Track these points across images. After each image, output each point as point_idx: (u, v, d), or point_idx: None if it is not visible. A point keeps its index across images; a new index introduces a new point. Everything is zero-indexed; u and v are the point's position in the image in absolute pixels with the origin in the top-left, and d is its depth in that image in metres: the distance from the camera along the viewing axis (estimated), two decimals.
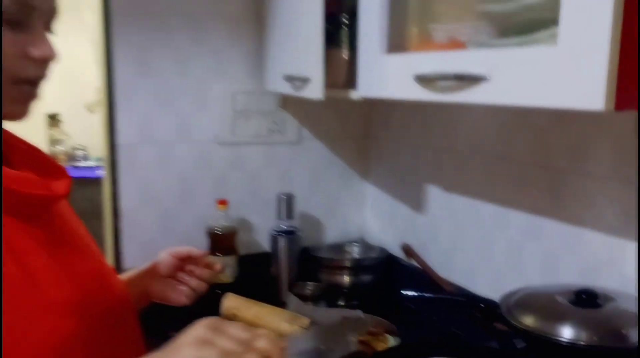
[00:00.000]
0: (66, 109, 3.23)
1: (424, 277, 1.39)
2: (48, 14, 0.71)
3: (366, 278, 1.49)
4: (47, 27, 0.72)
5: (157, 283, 1.00)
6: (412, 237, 1.48)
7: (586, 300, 0.86)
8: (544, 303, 0.90)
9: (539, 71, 0.70)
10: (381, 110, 1.59)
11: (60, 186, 0.75)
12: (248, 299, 0.94)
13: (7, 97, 0.68)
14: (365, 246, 1.63)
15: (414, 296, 1.37)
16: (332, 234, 1.66)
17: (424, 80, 0.89)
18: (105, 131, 1.42)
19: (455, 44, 0.89)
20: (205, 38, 1.44)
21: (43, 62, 0.71)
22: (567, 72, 0.66)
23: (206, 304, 0.98)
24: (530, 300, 0.91)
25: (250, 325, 0.81)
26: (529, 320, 0.86)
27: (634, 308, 0.85)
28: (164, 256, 1.01)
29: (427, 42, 0.97)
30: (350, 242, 1.64)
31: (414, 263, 1.45)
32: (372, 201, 1.66)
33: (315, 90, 1.10)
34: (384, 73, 1.00)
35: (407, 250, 1.48)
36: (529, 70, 0.71)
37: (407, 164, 1.50)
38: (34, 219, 0.71)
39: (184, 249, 1.01)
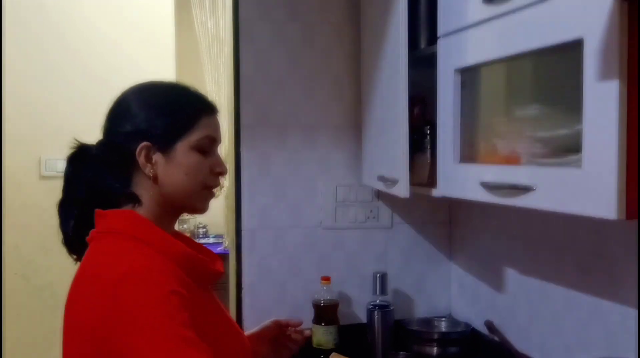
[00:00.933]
0: None
1: (503, 351, 1.55)
2: (220, 142, 1.11)
3: (452, 350, 1.67)
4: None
5: (264, 345, 1.33)
6: (494, 314, 1.65)
7: None
8: None
9: (569, 186, 0.92)
10: (463, 201, 1.81)
11: (220, 266, 1.08)
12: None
13: (199, 198, 1.08)
14: (452, 321, 1.81)
15: None
16: (421, 309, 1.86)
17: (487, 186, 1.12)
18: (233, 218, 1.75)
19: (513, 159, 1.12)
20: (314, 142, 1.76)
21: (220, 175, 1.10)
22: (589, 189, 0.88)
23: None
24: None
25: None
26: None
27: None
28: (269, 323, 1.35)
29: (492, 155, 1.20)
30: (439, 317, 1.83)
31: (496, 338, 1.62)
32: (458, 280, 1.86)
33: (402, 189, 1.36)
34: (458, 178, 1.24)
35: (490, 326, 1.65)
36: (563, 185, 0.93)
37: (487, 248, 1.70)
38: (205, 288, 1.06)
39: (284, 319, 1.40)
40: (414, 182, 1.45)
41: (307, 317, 1.68)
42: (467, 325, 1.74)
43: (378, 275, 1.71)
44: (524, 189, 1.01)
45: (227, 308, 1.19)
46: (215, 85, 2.79)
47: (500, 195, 1.09)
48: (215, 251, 3.42)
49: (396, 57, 1.37)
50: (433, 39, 1.34)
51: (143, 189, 1.05)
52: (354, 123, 1.77)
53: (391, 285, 1.77)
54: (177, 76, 3.07)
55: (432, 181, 1.38)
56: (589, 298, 1.30)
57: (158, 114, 1.05)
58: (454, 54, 1.25)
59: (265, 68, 1.72)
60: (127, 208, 1.05)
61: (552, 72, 1.07)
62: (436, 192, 1.34)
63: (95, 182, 1.05)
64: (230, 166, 1.77)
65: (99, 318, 0.87)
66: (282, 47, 1.73)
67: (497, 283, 1.65)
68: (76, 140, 1.09)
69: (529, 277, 1.51)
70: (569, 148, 0.97)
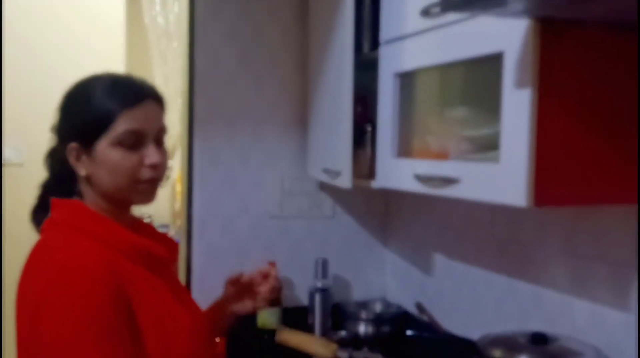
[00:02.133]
0: None
1: (431, 329, 1.72)
2: (155, 134, 1.08)
3: (385, 329, 1.82)
4: (158, 141, 1.09)
5: (231, 306, 1.34)
6: (424, 296, 1.82)
7: (538, 340, 1.19)
8: (508, 342, 1.23)
9: (489, 178, 1.07)
10: (398, 192, 1.97)
11: (174, 252, 1.16)
12: (295, 331, 1.30)
13: (134, 193, 1.07)
14: (386, 303, 1.96)
15: (415, 335, 1.70)
16: (358, 293, 2.01)
17: (420, 178, 1.26)
18: (184, 206, 1.83)
19: (443, 154, 1.27)
20: (263, 136, 1.87)
21: (154, 167, 1.06)
22: (504, 181, 1.03)
23: (262, 339, 1.34)
24: (498, 340, 1.25)
25: (296, 348, 1.17)
26: (497, 353, 1.20)
27: (574, 345, 1.18)
28: (225, 288, 1.38)
29: (425, 150, 1.35)
30: (374, 300, 1.98)
31: (425, 318, 1.78)
32: (392, 266, 2.02)
33: (345, 181, 1.49)
34: (394, 171, 1.39)
35: (420, 307, 1.81)
36: (484, 178, 1.09)
37: (418, 236, 1.86)
38: (159, 273, 1.11)
39: (236, 276, 1.37)
40: (355, 174, 1.58)
41: None
42: (399, 306, 1.90)
43: (320, 260, 1.84)
44: (451, 181, 1.16)
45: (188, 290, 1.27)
46: (164, 78, 2.85)
47: (431, 186, 1.24)
48: None
49: (342, 60, 1.50)
50: (375, 44, 1.48)
51: (85, 185, 1.09)
52: (300, 118, 1.90)
53: (331, 270, 1.91)
54: (127, 69, 3.10)
55: (371, 174, 1.52)
56: (504, 278, 1.48)
57: (76, 114, 1.06)
58: (394, 59, 1.39)
59: (217, 65, 1.82)
60: (76, 198, 1.10)
61: (478, 80, 1.22)
62: (375, 183, 1.48)
63: (58, 174, 1.11)
64: (182, 157, 1.86)
65: (33, 311, 0.93)
66: (233, 45, 1.83)
67: (426, 268, 1.82)
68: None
69: (454, 261, 1.68)
70: (490, 146, 1.12)
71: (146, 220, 3.59)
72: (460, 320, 1.65)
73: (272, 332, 1.72)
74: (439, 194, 1.21)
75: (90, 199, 1.08)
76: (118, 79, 1.09)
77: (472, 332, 1.59)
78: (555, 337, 1.20)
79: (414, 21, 1.29)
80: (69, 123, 1.07)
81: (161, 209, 3.45)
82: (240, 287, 1.36)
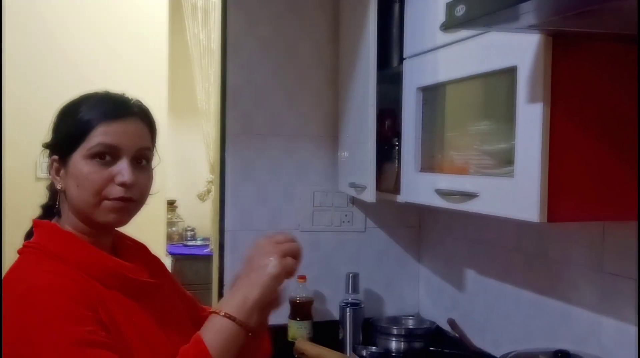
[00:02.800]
0: (181, 196, 3.76)
1: (462, 347, 1.69)
2: (135, 153, 1.02)
3: (416, 345, 1.80)
4: (138, 161, 1.03)
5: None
6: (456, 312, 1.79)
7: (561, 357, 1.16)
8: None
9: (505, 193, 1.06)
10: (430, 206, 1.96)
11: (160, 275, 1.10)
12: (313, 343, 1.31)
13: (98, 211, 1.00)
14: (419, 319, 1.94)
15: (437, 351, 1.68)
16: (391, 308, 1.99)
17: (441, 193, 1.26)
18: (216, 220, 1.88)
19: (463, 169, 1.26)
20: (294, 151, 1.90)
21: (123, 186, 1.00)
22: (518, 196, 1.02)
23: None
24: (521, 357, 1.22)
25: None
26: None
27: None
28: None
29: (447, 165, 1.34)
30: (407, 316, 1.96)
31: (457, 335, 1.75)
32: (425, 281, 2.00)
33: (369, 195, 1.50)
34: (417, 186, 1.39)
35: (452, 324, 1.78)
36: (500, 193, 1.08)
37: (450, 251, 1.84)
38: (139, 298, 1.03)
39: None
40: (382, 189, 1.59)
41: (283, 312, 1.81)
42: (432, 322, 1.88)
43: (350, 275, 1.84)
44: (470, 196, 1.16)
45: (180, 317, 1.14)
46: (206, 94, 2.93)
47: (451, 201, 1.23)
48: (201, 253, 3.49)
49: (367, 75, 1.51)
50: (402, 58, 1.48)
51: (62, 202, 1.06)
52: (332, 133, 1.92)
53: (363, 285, 1.91)
54: (169, 85, 3.21)
55: (397, 188, 1.52)
56: (533, 295, 1.45)
57: (57, 127, 1.06)
58: (416, 74, 1.39)
59: (250, 80, 1.86)
60: (55, 219, 1.07)
61: (498, 94, 1.21)
62: (400, 198, 1.48)
63: (50, 192, 1.11)
64: (216, 171, 1.90)
65: (8, 333, 0.89)
66: (266, 61, 1.87)
67: (459, 284, 1.79)
68: None
69: (485, 277, 1.66)
70: (508, 160, 1.11)
71: (189, 233, 3.75)
72: (491, 337, 1.62)
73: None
74: (458, 209, 1.20)
75: (66, 218, 1.05)
76: (107, 96, 1.07)
77: (503, 349, 1.56)
78: (578, 355, 1.17)
79: (433, 36, 1.30)
80: (53, 137, 1.06)
81: (204, 223, 3.52)
82: None
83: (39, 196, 1.14)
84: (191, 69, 3.08)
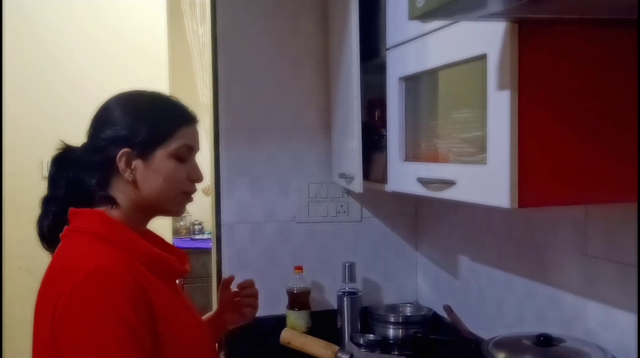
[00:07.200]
0: None
1: (457, 332, 1.70)
2: (198, 151, 1.21)
3: (412, 332, 1.82)
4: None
5: (227, 314, 1.44)
6: (452, 299, 1.80)
7: (543, 341, 1.17)
8: (513, 343, 1.21)
9: (479, 180, 1.07)
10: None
11: (186, 265, 1.22)
12: (299, 332, 1.34)
13: (175, 202, 1.18)
14: (416, 307, 1.96)
15: (424, 337, 1.70)
16: (390, 296, 2.01)
17: (422, 181, 1.27)
18: (213, 213, 1.91)
19: (443, 157, 1.27)
20: (287, 143, 1.92)
21: (196, 182, 1.20)
22: (491, 183, 1.03)
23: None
24: (503, 342, 1.23)
25: (299, 349, 1.20)
26: (500, 355, 1.18)
27: (579, 347, 1.15)
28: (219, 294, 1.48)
29: (430, 154, 1.35)
30: (405, 303, 1.98)
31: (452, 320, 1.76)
32: (423, 268, 2.01)
33: (357, 185, 1.51)
34: (402, 175, 1.40)
35: (448, 310, 1.79)
36: (475, 180, 1.09)
37: (445, 238, 1.85)
38: (174, 284, 1.20)
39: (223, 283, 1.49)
40: (372, 178, 1.60)
41: (282, 303, 1.84)
42: (429, 309, 1.89)
43: (347, 264, 1.86)
44: (448, 184, 1.17)
45: (192, 302, 1.28)
46: (207, 89, 2.95)
47: (432, 189, 1.24)
48: (208, 247, 3.50)
49: (350, 66, 1.52)
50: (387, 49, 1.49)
51: (120, 192, 1.13)
52: (324, 125, 1.93)
53: (361, 274, 1.92)
54: (170, 82, 3.24)
55: (385, 178, 1.53)
56: (523, 280, 1.45)
57: (139, 123, 1.13)
58: (398, 64, 1.40)
59: (240, 75, 1.88)
60: (103, 208, 1.13)
61: (475, 82, 1.21)
62: (387, 188, 1.49)
63: (75, 182, 1.15)
64: (210, 165, 1.93)
65: (56, 316, 0.97)
66: (257, 56, 1.89)
67: (454, 270, 1.80)
68: (62, 142, 1.19)
69: (478, 263, 1.67)
70: (482, 148, 1.12)
71: (196, 227, 3.80)
72: (485, 323, 1.63)
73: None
74: (438, 197, 1.21)
75: (121, 206, 1.13)
76: (178, 100, 1.22)
77: (496, 334, 1.57)
78: (562, 339, 1.18)
79: (411, 27, 1.30)
80: (127, 131, 1.12)
81: (209, 218, 3.56)
82: (229, 296, 1.46)
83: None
84: (191, 67, 3.11)
